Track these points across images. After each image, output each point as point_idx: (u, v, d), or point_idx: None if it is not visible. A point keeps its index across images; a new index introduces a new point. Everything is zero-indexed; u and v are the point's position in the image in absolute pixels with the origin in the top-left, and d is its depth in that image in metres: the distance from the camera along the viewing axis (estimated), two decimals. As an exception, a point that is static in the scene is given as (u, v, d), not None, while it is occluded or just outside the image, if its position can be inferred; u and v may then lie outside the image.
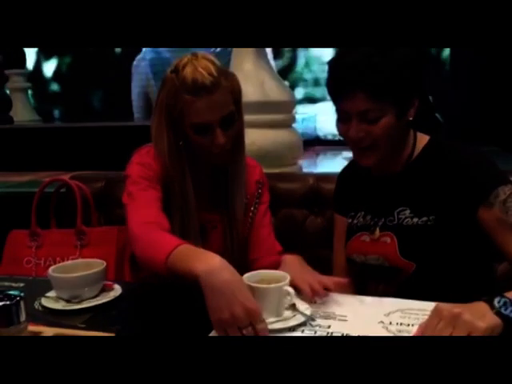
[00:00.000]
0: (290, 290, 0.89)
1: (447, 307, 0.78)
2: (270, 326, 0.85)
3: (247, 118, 2.17)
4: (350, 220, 1.19)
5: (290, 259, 1.09)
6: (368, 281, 1.14)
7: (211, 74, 1.06)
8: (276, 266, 1.12)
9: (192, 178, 1.15)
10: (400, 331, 0.84)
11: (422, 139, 1.12)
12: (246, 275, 0.93)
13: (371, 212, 1.14)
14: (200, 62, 1.07)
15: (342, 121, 1.05)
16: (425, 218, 1.05)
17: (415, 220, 1.06)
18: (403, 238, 1.07)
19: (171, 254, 0.89)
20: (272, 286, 0.90)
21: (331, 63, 1.04)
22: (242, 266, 1.23)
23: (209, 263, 0.84)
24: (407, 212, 1.07)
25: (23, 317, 0.49)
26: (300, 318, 0.89)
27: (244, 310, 0.79)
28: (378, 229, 1.11)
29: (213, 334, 0.83)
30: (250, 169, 1.28)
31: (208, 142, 1.10)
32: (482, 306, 0.78)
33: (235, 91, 1.14)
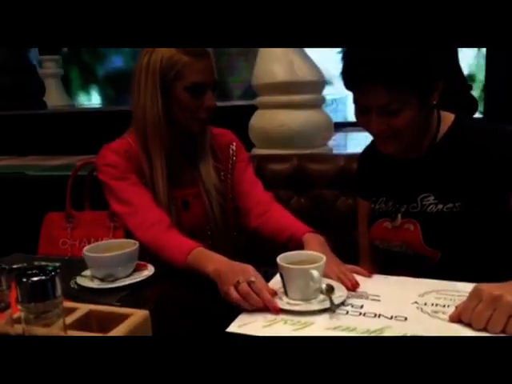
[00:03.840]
0: (316, 274, 0.86)
1: (488, 288, 0.75)
2: (291, 307, 0.85)
3: (276, 98, 2.19)
4: (372, 205, 1.16)
5: (312, 241, 1.07)
6: (393, 268, 1.11)
7: None
8: (266, 213, 1.22)
9: (168, 155, 1.20)
10: (435, 312, 0.82)
11: (446, 120, 1.06)
12: (284, 254, 0.92)
13: (393, 198, 1.10)
14: None
15: (361, 112, 1.00)
16: (450, 205, 1.01)
17: (440, 207, 1.02)
18: (427, 225, 1.03)
19: (186, 260, 1.02)
20: (296, 267, 0.88)
21: (344, 55, 0.98)
22: (233, 228, 1.32)
23: (214, 264, 0.97)
24: (431, 198, 1.03)
25: (59, 291, 0.50)
26: (325, 304, 0.85)
27: (241, 268, 0.92)
28: (399, 216, 1.07)
29: (236, 322, 0.83)
30: (219, 137, 1.32)
31: (198, 105, 1.17)
32: None
33: None
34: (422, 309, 0.84)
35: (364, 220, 1.21)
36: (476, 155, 1.00)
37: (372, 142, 1.20)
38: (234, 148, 1.33)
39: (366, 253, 1.22)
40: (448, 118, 1.07)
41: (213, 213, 1.27)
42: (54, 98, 4.83)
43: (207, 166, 1.26)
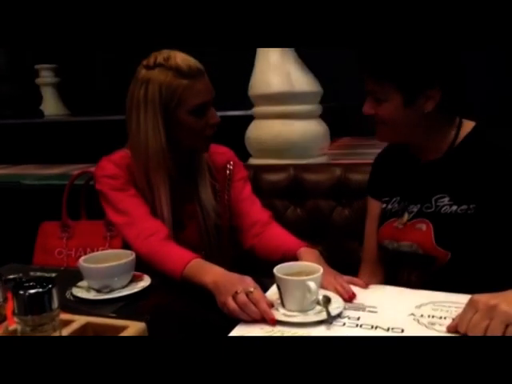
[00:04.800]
0: (312, 285, 0.86)
1: (483, 299, 0.75)
2: (288, 319, 0.85)
3: (273, 108, 2.19)
4: (384, 205, 1.17)
5: (307, 255, 1.07)
6: (401, 269, 1.12)
7: (195, 60, 1.16)
8: (267, 229, 1.22)
9: (170, 182, 1.19)
10: (432, 324, 0.82)
11: (467, 126, 1.09)
12: (281, 265, 0.92)
13: (407, 198, 1.12)
14: (178, 53, 1.15)
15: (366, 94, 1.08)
16: (464, 207, 1.02)
17: (454, 208, 1.03)
18: (440, 225, 1.04)
19: (184, 271, 1.02)
20: (293, 278, 0.89)
21: None
22: (228, 248, 1.31)
23: (212, 275, 0.97)
24: (446, 199, 1.05)
25: (55, 304, 0.50)
26: (322, 316, 0.85)
27: (239, 279, 0.92)
28: (406, 214, 1.09)
29: (233, 333, 0.83)
30: (217, 155, 1.31)
31: (203, 124, 1.17)
32: None
33: None
34: (418, 320, 0.84)
35: (373, 221, 1.21)
36: (493, 159, 1.02)
37: (388, 145, 1.24)
38: (232, 167, 1.31)
39: (370, 255, 1.22)
40: (468, 125, 1.10)
41: (207, 233, 1.26)
42: (50, 106, 4.81)
43: (205, 186, 1.26)
